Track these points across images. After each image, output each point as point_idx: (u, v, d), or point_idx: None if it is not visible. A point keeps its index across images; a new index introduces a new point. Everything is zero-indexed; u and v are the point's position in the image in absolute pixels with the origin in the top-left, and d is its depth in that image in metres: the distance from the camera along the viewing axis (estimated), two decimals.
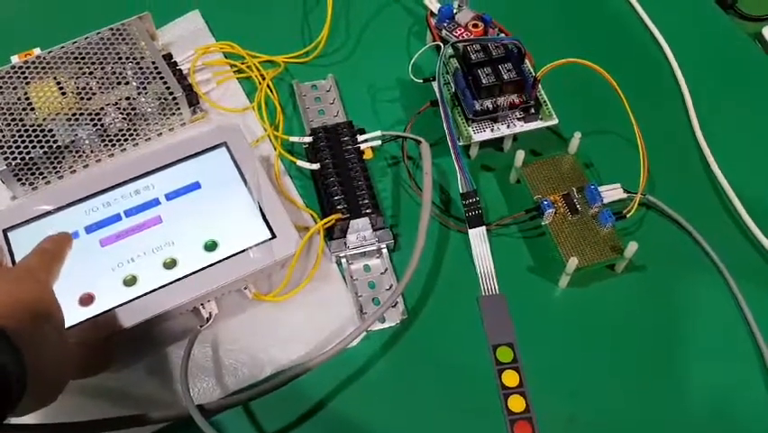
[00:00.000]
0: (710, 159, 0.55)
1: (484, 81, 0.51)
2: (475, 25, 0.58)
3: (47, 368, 0.34)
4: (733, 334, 0.49)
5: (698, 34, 0.63)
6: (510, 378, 0.46)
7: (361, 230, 0.50)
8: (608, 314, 0.49)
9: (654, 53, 0.62)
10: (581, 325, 0.49)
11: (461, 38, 0.57)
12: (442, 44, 0.55)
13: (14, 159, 0.49)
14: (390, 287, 0.49)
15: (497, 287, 0.50)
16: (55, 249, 0.42)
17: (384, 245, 0.50)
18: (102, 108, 0.52)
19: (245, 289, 0.47)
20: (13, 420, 0.41)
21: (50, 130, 0.51)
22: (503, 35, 0.58)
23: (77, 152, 0.52)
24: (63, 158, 0.52)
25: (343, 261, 0.50)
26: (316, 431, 0.44)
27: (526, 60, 0.54)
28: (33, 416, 0.42)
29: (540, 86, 0.53)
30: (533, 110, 0.53)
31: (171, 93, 0.53)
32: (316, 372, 0.44)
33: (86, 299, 0.44)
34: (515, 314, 0.49)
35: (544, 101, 0.54)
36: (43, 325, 0.35)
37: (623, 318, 0.49)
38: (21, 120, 0.51)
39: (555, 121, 0.54)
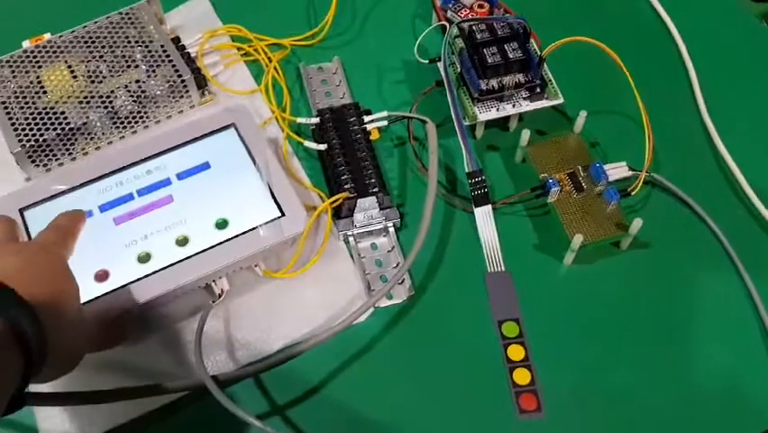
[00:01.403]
0: (715, 137, 0.56)
1: (490, 61, 0.52)
2: (480, 6, 0.58)
3: (64, 339, 0.35)
4: (737, 310, 0.49)
5: (705, 14, 0.64)
6: (516, 352, 0.47)
7: (368, 209, 0.51)
8: (613, 290, 0.50)
9: (660, 32, 0.62)
10: (586, 301, 0.49)
11: (465, 18, 0.57)
12: (447, 24, 0.55)
13: (28, 141, 0.50)
14: (397, 264, 0.50)
15: (502, 264, 0.50)
16: (69, 225, 0.43)
17: (391, 224, 0.51)
18: (112, 91, 0.53)
19: (255, 266, 0.48)
20: (33, 389, 0.42)
21: (63, 113, 0.52)
22: (508, 15, 0.58)
23: (88, 134, 0.53)
24: (75, 140, 0.52)
25: (351, 239, 0.51)
26: (324, 403, 0.45)
27: (532, 40, 0.55)
28: (50, 386, 0.43)
29: (546, 65, 0.54)
30: (538, 89, 0.54)
31: (180, 76, 0.54)
32: (325, 346, 0.45)
33: (102, 276, 0.44)
34: (520, 290, 0.49)
35: (550, 80, 0.55)
36: (60, 297, 0.36)
37: (627, 294, 0.50)
38: (33, 103, 0.52)
39: (561, 100, 0.54)
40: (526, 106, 0.54)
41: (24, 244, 0.39)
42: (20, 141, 0.50)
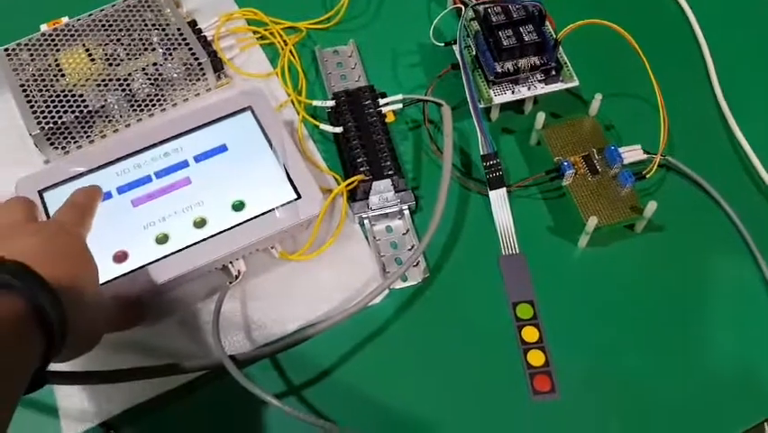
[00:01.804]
0: (730, 120, 0.56)
1: (505, 43, 0.52)
2: None
3: (84, 319, 0.36)
4: (751, 294, 0.49)
5: None
6: (530, 334, 0.47)
7: (383, 192, 0.51)
8: (627, 273, 0.50)
9: (676, 14, 0.62)
10: (601, 283, 0.50)
11: (481, 0, 0.57)
12: (463, 7, 0.55)
13: (47, 123, 0.51)
14: (412, 247, 0.50)
15: (517, 247, 0.50)
16: (86, 202, 0.43)
17: (406, 207, 0.51)
18: (130, 74, 0.54)
19: (272, 248, 0.49)
20: (53, 368, 0.43)
21: (81, 95, 0.52)
22: None
23: (106, 116, 0.53)
24: (93, 122, 0.53)
25: (366, 221, 0.51)
26: (339, 384, 0.46)
27: (547, 22, 0.55)
28: (69, 365, 0.44)
29: (561, 47, 0.54)
30: (554, 72, 0.54)
31: (197, 59, 0.54)
32: (340, 328, 0.46)
33: (120, 257, 0.45)
34: (535, 273, 0.50)
35: (565, 63, 0.55)
36: (80, 278, 0.36)
37: (641, 277, 0.50)
38: (52, 86, 0.52)
39: (576, 83, 0.54)
40: (541, 89, 0.54)
41: (43, 224, 0.40)
42: (39, 123, 0.51)
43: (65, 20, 0.56)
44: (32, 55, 0.54)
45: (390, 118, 0.55)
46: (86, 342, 0.38)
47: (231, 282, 0.47)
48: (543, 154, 0.54)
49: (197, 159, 0.49)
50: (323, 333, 0.45)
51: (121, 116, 0.54)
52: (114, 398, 0.45)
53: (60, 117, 0.51)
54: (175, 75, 0.54)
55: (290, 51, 0.58)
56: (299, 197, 0.47)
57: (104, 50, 0.54)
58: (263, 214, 0.47)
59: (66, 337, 0.34)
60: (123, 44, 0.54)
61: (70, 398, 0.45)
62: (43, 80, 0.53)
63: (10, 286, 0.32)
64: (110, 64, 0.54)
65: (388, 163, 0.51)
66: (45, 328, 0.33)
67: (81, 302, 0.36)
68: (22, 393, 0.32)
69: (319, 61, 0.58)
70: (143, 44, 0.55)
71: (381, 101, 0.54)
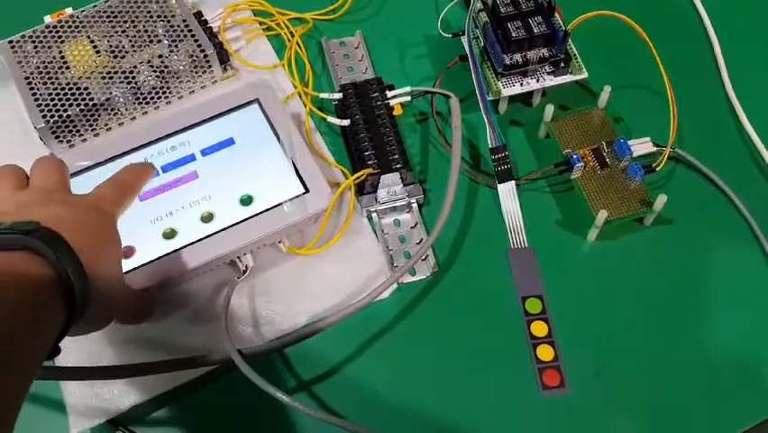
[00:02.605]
0: (740, 112, 0.55)
1: (514, 35, 0.51)
2: None
3: (102, 295, 0.36)
4: (761, 288, 0.49)
5: None
6: (539, 328, 0.47)
7: (391, 185, 0.51)
8: (637, 267, 0.50)
9: (685, 4, 0.62)
10: (610, 277, 0.49)
11: None
12: None
13: (52, 116, 0.50)
14: (420, 241, 0.50)
15: (526, 240, 0.50)
16: (132, 181, 0.43)
17: (414, 200, 0.51)
18: (135, 66, 0.53)
19: (280, 242, 0.48)
20: (62, 363, 0.43)
21: (86, 88, 0.52)
22: None
23: (112, 109, 0.53)
24: (99, 115, 0.52)
25: (374, 215, 0.51)
26: (348, 379, 0.46)
27: (556, 14, 0.54)
28: (77, 361, 0.44)
29: (570, 39, 0.53)
30: (562, 64, 0.53)
31: (203, 51, 0.54)
32: (348, 322, 0.45)
33: (128, 252, 0.45)
34: (544, 267, 0.49)
35: (574, 55, 0.54)
36: (105, 256, 0.37)
37: (651, 271, 0.50)
38: (57, 79, 0.52)
39: (585, 75, 0.54)
40: (550, 81, 0.54)
41: (79, 197, 0.40)
42: (44, 116, 0.50)
43: (69, 11, 0.55)
44: (36, 47, 0.53)
45: (398, 111, 0.54)
46: (100, 320, 0.38)
47: (239, 277, 0.47)
48: (551, 147, 0.53)
49: (204, 152, 0.49)
50: (331, 327, 0.45)
51: (126, 109, 0.53)
52: (122, 394, 0.44)
53: (66, 110, 0.51)
54: (181, 67, 0.53)
55: (297, 43, 0.58)
56: (307, 191, 0.47)
57: (108, 41, 0.54)
58: (271, 208, 0.47)
59: (85, 311, 0.34)
60: (128, 36, 0.54)
61: (78, 394, 0.44)
62: (48, 73, 0.52)
63: (40, 252, 0.33)
64: (115, 56, 0.53)
65: (396, 156, 0.51)
66: (68, 299, 0.33)
67: (102, 279, 0.36)
68: (44, 360, 0.33)
69: (326, 53, 0.58)
70: (149, 36, 0.54)
71: (389, 93, 0.54)
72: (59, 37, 0.53)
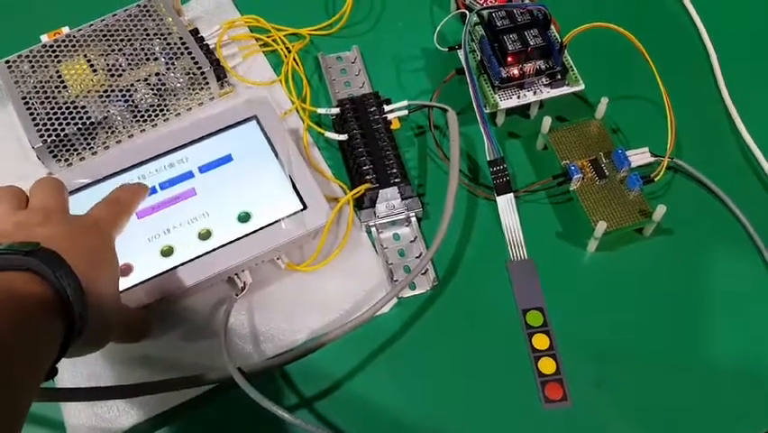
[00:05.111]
0: (738, 122, 0.55)
1: (510, 48, 0.51)
2: None
3: (100, 316, 0.36)
4: (761, 297, 0.49)
5: None
6: (541, 341, 0.47)
7: (390, 199, 0.50)
8: (637, 277, 0.49)
9: (682, 17, 0.62)
10: (610, 288, 0.49)
11: (485, 5, 0.57)
12: (467, 11, 0.55)
13: (49, 136, 0.50)
14: (420, 255, 0.50)
15: (525, 252, 0.50)
16: (127, 200, 0.43)
17: (413, 214, 0.51)
18: (132, 84, 0.53)
19: (278, 259, 0.48)
20: (62, 384, 0.43)
21: (83, 107, 0.52)
22: (528, 1, 0.58)
23: (109, 128, 0.53)
24: (96, 134, 0.52)
25: (373, 230, 0.51)
26: (349, 395, 0.46)
27: (552, 26, 0.54)
28: (76, 382, 0.44)
29: (566, 51, 0.53)
30: (559, 76, 0.53)
31: (200, 68, 0.54)
32: (349, 337, 0.45)
33: (125, 270, 0.45)
34: (544, 279, 0.49)
35: (571, 66, 0.54)
36: (102, 277, 0.37)
37: (652, 281, 0.49)
38: (54, 98, 0.52)
39: (582, 86, 0.54)
40: (547, 93, 0.54)
41: (77, 218, 0.40)
42: (41, 136, 0.50)
43: (66, 30, 0.55)
44: (33, 67, 0.53)
45: (396, 125, 0.54)
46: (97, 339, 0.38)
47: (237, 295, 0.47)
48: (549, 159, 0.53)
49: (202, 169, 0.49)
50: (332, 343, 0.45)
51: (124, 127, 0.53)
52: (122, 413, 0.44)
53: (63, 129, 0.51)
54: (178, 84, 0.54)
55: (293, 58, 0.58)
56: (305, 207, 0.47)
57: (105, 60, 0.54)
58: (269, 225, 0.46)
59: (83, 332, 0.34)
60: (124, 54, 0.54)
61: (78, 414, 0.44)
62: (45, 92, 0.52)
63: (40, 272, 0.33)
64: (112, 75, 0.53)
65: (395, 170, 0.51)
66: (67, 319, 0.33)
67: (100, 301, 0.36)
68: (43, 380, 0.33)
69: (322, 68, 0.58)
70: (145, 54, 0.54)
71: (386, 107, 0.54)
72: (56, 56, 0.54)
